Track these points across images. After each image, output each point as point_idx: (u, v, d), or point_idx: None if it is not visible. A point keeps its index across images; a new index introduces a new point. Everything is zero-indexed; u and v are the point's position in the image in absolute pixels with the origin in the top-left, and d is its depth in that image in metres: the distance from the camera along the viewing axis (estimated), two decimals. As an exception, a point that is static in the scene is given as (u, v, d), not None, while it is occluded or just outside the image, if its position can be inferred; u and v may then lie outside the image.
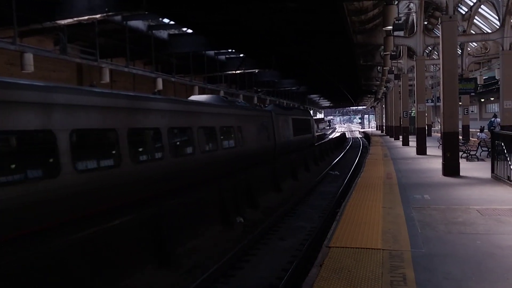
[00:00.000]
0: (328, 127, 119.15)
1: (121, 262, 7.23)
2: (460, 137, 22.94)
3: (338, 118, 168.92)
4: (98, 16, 13.58)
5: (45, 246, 6.01)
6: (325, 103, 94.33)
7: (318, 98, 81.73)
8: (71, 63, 17.63)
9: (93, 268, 6.64)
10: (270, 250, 9.25)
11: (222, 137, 14.96)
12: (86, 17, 13.48)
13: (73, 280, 6.22)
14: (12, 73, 12.54)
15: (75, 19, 13.66)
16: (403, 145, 27.81)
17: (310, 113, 39.21)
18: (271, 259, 8.63)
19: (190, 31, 22.39)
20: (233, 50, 28.38)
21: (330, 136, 63.90)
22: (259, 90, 40.76)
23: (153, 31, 20.73)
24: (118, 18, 17.59)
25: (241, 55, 29.01)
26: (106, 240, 7.03)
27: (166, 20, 20.86)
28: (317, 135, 55.95)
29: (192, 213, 9.83)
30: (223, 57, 29.70)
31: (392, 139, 36.92)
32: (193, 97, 17.83)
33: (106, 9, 13.24)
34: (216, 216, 10.98)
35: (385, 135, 46.64)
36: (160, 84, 21.38)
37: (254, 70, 31.67)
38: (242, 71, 30.12)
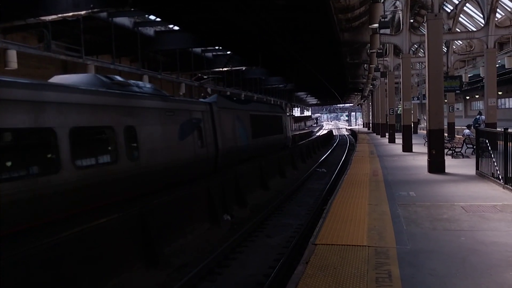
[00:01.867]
0: (315, 125, 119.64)
1: (109, 261, 7.16)
2: (446, 134, 23.24)
3: (325, 116, 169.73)
4: (83, 12, 13.38)
5: (35, 244, 5.93)
6: (313, 100, 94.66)
7: (305, 96, 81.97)
8: (56, 60, 17.36)
9: (81, 266, 6.57)
10: (257, 248, 9.27)
11: (74, 147, 8.06)
12: (71, 14, 13.26)
13: (61, 278, 6.15)
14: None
15: (60, 15, 13.42)
16: (389, 142, 28.05)
17: (282, 108, 30.82)
18: (258, 257, 8.65)
19: (176, 28, 22.22)
20: (220, 48, 28.27)
21: (317, 134, 64.15)
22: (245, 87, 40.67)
23: (139, 28, 20.54)
24: (103, 14, 17.38)
25: (228, 52, 28.91)
26: (94, 238, 6.96)
27: (152, 17, 20.68)
28: (303, 133, 56.26)
29: (179, 211, 9.79)
30: (210, 54, 29.58)
31: (379, 136, 37.20)
32: (58, 78, 10.32)
33: (91, 5, 13.05)
34: (204, 214, 10.96)
35: (371, 133, 46.98)
36: (146, 81, 21.19)
37: (241, 68, 31.58)
38: (229, 68, 30.01)
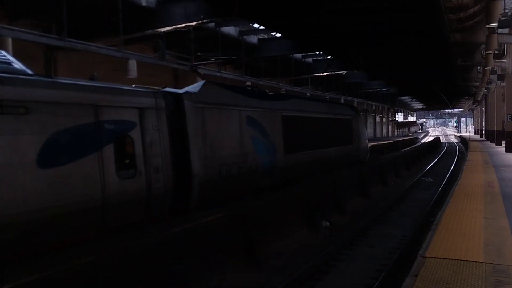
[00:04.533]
0: (420, 131, 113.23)
1: (214, 259, 7.53)
2: None
3: (431, 121, 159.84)
4: (194, 23, 14.32)
5: (145, 239, 6.46)
6: (418, 105, 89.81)
7: (410, 100, 78.08)
8: (168, 69, 18.75)
9: (186, 262, 6.99)
10: (358, 257, 9.05)
11: None
12: (183, 25, 14.29)
13: (165, 273, 6.59)
14: (117, 79, 13.70)
15: (173, 26, 14.53)
16: (506, 151, 25.54)
17: (354, 108, 21.67)
18: (359, 266, 8.44)
19: (278, 35, 22.68)
20: (321, 53, 28.18)
21: (423, 140, 60.65)
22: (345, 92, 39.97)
23: (244, 36, 21.33)
24: (211, 25, 18.37)
25: (329, 57, 28.71)
26: (199, 236, 7.38)
27: (256, 25, 21.36)
28: (406, 139, 53.13)
29: (277, 214, 9.95)
30: (310, 59, 29.64)
31: (493, 144, 34.06)
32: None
33: (201, 16, 13.92)
34: (302, 219, 10.99)
35: (484, 140, 43.18)
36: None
37: (341, 72, 31.15)
38: (330, 73, 29.79)
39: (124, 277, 5.84)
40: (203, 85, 10.06)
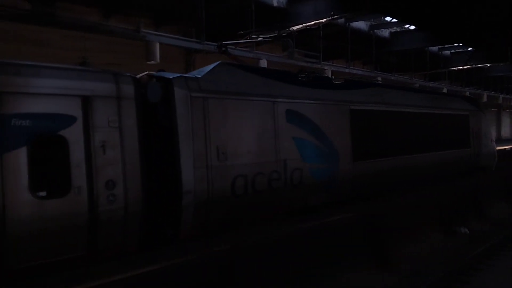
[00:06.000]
0: None
1: (339, 258, 7.49)
2: None
3: None
4: (323, 20, 14.30)
5: (276, 232, 6.70)
6: None
7: None
8: (295, 67, 19.04)
9: (313, 258, 7.01)
10: (501, 269, 8.19)
11: None
12: (313, 22, 14.36)
13: (293, 266, 6.63)
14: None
15: (303, 25, 14.70)
16: None
17: (473, 102, 16.67)
18: (502, 279, 7.64)
19: (412, 27, 21.47)
20: (461, 44, 25.92)
21: None
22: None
23: (375, 31, 20.66)
24: (341, 20, 18.15)
25: (469, 49, 26.27)
26: (327, 234, 7.38)
27: (388, 18, 20.54)
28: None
29: (409, 217, 9.46)
30: (447, 52, 27.47)
31: None
32: None
33: (332, 12, 13.84)
34: (435, 223, 10.30)
35: None
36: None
37: (484, 65, 28.23)
38: (470, 66, 27.23)
39: (255, 267, 6.11)
40: (214, 67, 7.87)
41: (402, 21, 20.04)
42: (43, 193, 5.45)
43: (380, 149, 10.69)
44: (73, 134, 5.73)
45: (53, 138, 5.62)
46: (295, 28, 14.61)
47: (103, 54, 13.27)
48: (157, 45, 13.15)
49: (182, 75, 7.25)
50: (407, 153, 11.56)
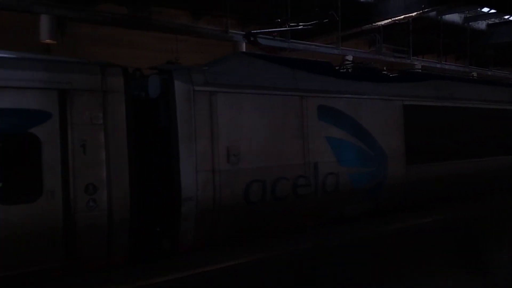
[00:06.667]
0: None
1: (427, 263, 7.09)
2: None
3: None
4: (414, 14, 13.69)
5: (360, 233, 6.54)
6: None
7: None
8: (383, 63, 18.42)
9: (398, 261, 6.67)
10: None
11: None
12: (402, 16, 13.82)
13: (377, 268, 6.39)
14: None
15: (391, 19, 14.18)
16: None
17: None
18: None
19: (514, 17, 19.75)
20: None
21: None
22: None
23: (469, 23, 19.30)
24: (432, 14, 17.22)
25: None
26: (413, 237, 7.06)
27: (485, 9, 19.08)
28: None
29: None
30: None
31: None
32: None
33: (423, 5, 13.19)
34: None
35: None
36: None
37: None
38: None
39: (337, 265, 6.02)
40: (227, 57, 7.28)
41: (501, 12, 18.49)
42: (9, 198, 4.95)
43: (442, 151, 9.36)
44: (47, 132, 5.15)
45: (21, 136, 5.08)
46: (382, 22, 14.18)
47: (193, 55, 13.83)
48: (244, 45, 13.43)
49: (187, 66, 6.55)
50: (477, 156, 10.06)
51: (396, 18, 14.26)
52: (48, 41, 10.41)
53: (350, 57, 14.90)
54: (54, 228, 5.12)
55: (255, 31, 9.15)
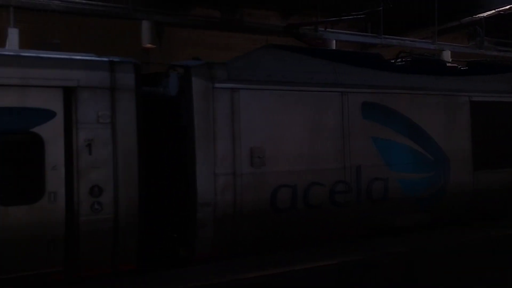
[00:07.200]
0: None
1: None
2: None
3: None
4: (522, 3, 12.57)
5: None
6: None
7: None
8: (485, 57, 17.09)
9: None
10: None
11: None
12: (507, 7, 12.77)
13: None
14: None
15: (495, 10, 13.17)
16: None
17: None
18: None
19: None
20: None
21: None
22: None
23: None
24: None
25: None
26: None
27: None
28: None
29: None
30: None
31: None
32: None
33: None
34: None
35: None
36: None
37: None
38: None
39: (434, 270, 5.78)
40: (255, 50, 6.66)
41: None
42: (9, 198, 4.81)
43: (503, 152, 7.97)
44: (50, 132, 4.96)
45: (22, 136, 4.91)
46: (484, 15, 13.23)
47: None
48: (334, 42, 13.28)
49: (208, 62, 6.07)
50: None
51: (501, 9, 13.23)
52: (148, 45, 11.15)
53: (447, 52, 14.01)
54: (55, 231, 4.92)
55: (294, 23, 8.38)
